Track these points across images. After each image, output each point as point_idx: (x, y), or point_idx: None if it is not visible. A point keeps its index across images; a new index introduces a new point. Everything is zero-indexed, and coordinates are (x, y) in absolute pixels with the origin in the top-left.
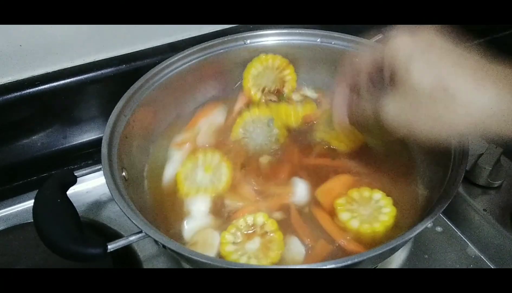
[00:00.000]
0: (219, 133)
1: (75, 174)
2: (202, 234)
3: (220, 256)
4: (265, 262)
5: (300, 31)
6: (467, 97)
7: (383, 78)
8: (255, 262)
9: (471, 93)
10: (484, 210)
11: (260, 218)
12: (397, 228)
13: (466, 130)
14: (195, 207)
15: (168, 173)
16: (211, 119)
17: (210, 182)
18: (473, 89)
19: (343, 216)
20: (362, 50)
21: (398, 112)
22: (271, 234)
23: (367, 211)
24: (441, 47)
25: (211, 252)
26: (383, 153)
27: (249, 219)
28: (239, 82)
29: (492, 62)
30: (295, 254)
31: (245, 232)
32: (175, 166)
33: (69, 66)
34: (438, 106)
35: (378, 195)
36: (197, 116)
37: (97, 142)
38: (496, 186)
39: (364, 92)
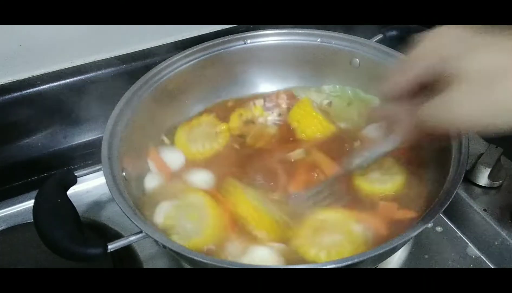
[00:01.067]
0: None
1: (76, 174)
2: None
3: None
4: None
5: (300, 31)
6: None
7: (430, 82)
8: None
9: None
10: (484, 210)
11: None
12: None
13: None
14: None
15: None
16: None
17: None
18: None
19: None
20: (395, 66)
21: (455, 105)
22: None
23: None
24: (481, 29)
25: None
26: None
27: None
28: None
29: None
30: None
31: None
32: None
33: (69, 66)
34: (494, 88)
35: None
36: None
37: (97, 143)
38: (496, 186)
39: (407, 101)
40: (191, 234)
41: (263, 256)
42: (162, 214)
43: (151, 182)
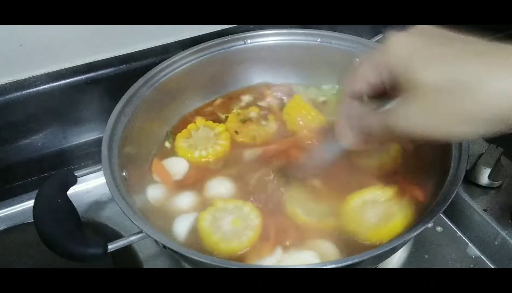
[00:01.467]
0: None
1: (76, 174)
2: None
3: None
4: None
5: (300, 31)
6: (479, 84)
7: (386, 85)
8: None
9: (483, 79)
10: (484, 210)
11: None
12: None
13: (483, 121)
14: None
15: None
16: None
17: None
18: (485, 74)
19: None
20: (361, 60)
21: (409, 116)
22: None
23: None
24: (443, 37)
25: None
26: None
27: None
28: None
29: (502, 46)
30: None
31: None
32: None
33: (69, 66)
34: (450, 100)
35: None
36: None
37: (98, 142)
38: (496, 186)
39: (369, 104)
40: (232, 239)
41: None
42: (187, 224)
43: (156, 192)
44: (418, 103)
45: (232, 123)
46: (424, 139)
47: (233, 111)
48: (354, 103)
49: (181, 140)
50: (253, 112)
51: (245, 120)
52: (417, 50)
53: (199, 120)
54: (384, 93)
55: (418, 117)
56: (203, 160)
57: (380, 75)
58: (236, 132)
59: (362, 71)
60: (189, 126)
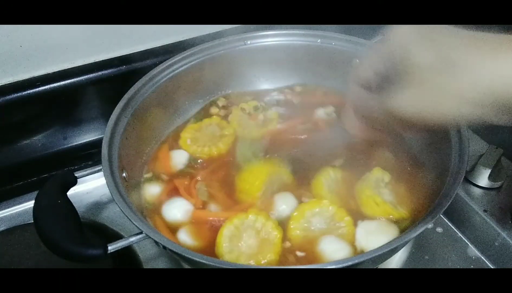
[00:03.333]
0: None
1: (76, 175)
2: None
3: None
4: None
5: (300, 31)
6: (466, 64)
7: (389, 73)
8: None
9: (471, 60)
10: (485, 210)
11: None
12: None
13: (475, 101)
14: None
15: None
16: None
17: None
18: (473, 57)
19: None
20: (365, 52)
21: (408, 99)
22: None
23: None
24: (442, 28)
25: None
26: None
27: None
28: None
29: (497, 35)
30: None
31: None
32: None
33: (69, 67)
34: (441, 80)
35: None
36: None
37: (98, 143)
38: (496, 186)
39: (373, 91)
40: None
41: None
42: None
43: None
44: (413, 86)
45: (236, 117)
46: (420, 122)
47: (236, 107)
48: (361, 92)
49: (187, 133)
50: (258, 106)
51: (249, 114)
52: (416, 38)
53: (207, 120)
54: (390, 81)
55: (413, 99)
56: (197, 155)
57: (384, 63)
58: (239, 123)
59: (368, 60)
60: (195, 124)
